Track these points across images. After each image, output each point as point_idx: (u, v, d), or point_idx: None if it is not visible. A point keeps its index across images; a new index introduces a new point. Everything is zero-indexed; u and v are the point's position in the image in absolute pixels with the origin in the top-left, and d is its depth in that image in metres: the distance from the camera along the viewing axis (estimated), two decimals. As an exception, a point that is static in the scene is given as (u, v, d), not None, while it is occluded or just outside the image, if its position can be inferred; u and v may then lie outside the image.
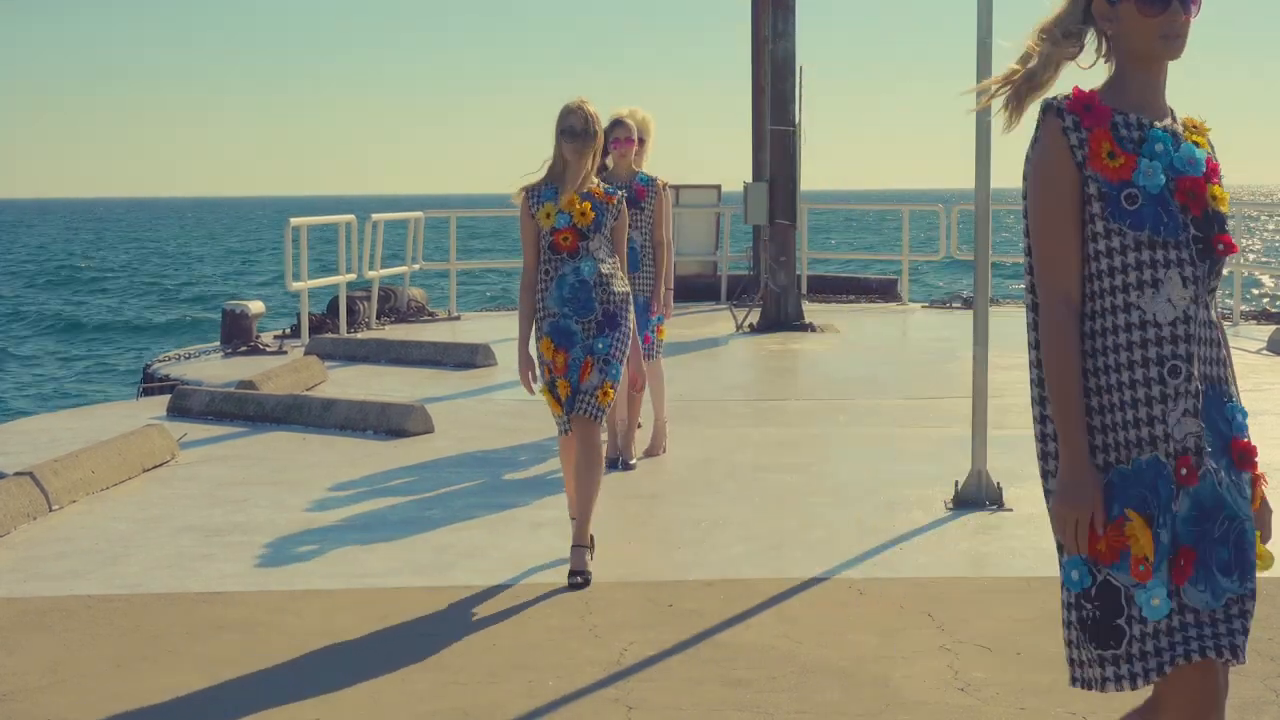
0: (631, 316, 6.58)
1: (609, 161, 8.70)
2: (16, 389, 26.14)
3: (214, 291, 46.89)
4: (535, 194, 6.50)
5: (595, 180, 6.54)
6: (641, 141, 8.90)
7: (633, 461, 8.77)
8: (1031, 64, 3.25)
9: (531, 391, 6.50)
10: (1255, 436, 3.26)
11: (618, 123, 8.65)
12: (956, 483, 7.70)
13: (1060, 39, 3.25)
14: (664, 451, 9.08)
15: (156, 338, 34.21)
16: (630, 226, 8.61)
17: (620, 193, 6.61)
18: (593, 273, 6.44)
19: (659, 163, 9.17)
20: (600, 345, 6.43)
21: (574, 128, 6.40)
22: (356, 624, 5.76)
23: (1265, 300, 28.76)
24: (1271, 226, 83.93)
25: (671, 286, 9.01)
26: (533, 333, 6.59)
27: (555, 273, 6.45)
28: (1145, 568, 3.08)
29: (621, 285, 6.54)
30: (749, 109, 19.06)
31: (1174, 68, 3.25)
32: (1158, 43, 3.16)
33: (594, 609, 5.92)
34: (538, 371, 6.50)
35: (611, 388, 6.42)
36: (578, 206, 6.43)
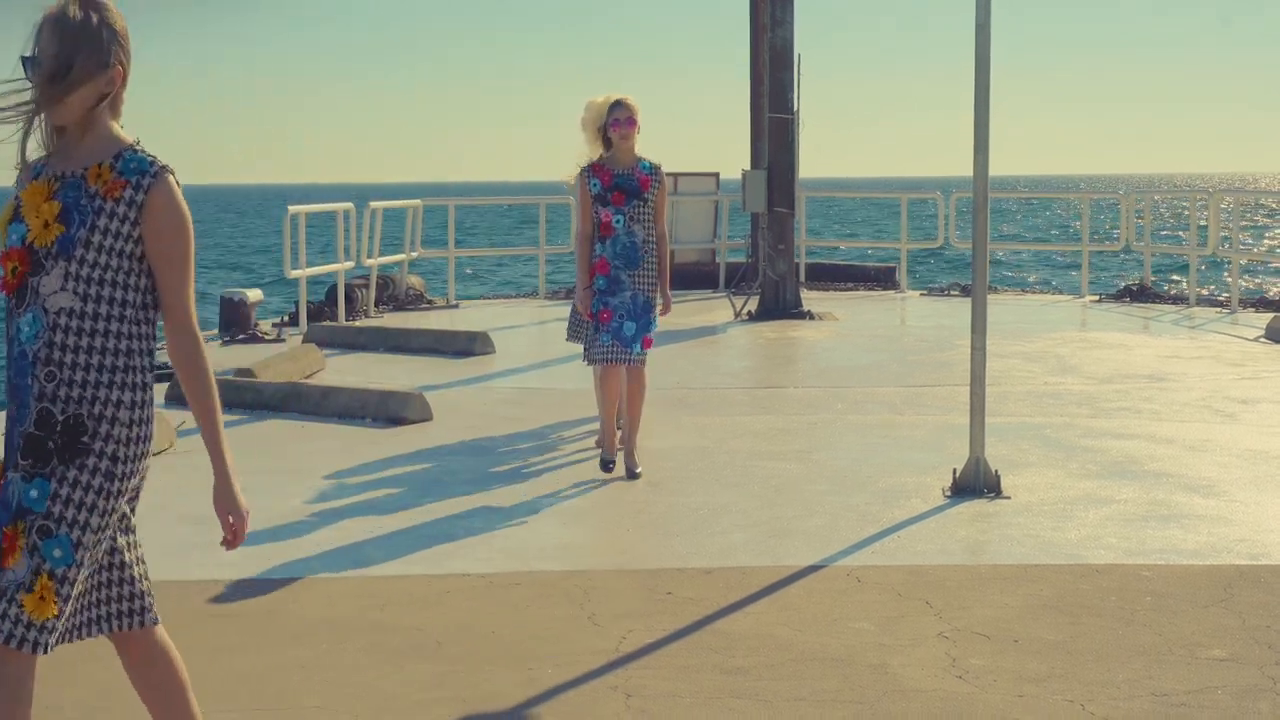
0: (130, 449, 3.60)
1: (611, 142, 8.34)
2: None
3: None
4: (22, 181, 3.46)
5: (128, 148, 3.39)
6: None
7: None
8: None
9: None
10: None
11: (618, 103, 8.17)
12: (954, 470, 7.71)
13: None
14: (638, 471, 8.21)
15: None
16: (633, 219, 8.13)
17: (155, 169, 3.37)
18: (34, 337, 3.35)
19: (655, 149, 9.06)
20: (33, 494, 3.30)
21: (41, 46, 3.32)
22: (355, 612, 5.77)
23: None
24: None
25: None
26: None
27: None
28: None
29: (123, 386, 3.61)
30: (748, 96, 19.06)
31: None
32: None
33: (593, 597, 5.92)
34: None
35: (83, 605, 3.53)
36: (41, 206, 3.37)
